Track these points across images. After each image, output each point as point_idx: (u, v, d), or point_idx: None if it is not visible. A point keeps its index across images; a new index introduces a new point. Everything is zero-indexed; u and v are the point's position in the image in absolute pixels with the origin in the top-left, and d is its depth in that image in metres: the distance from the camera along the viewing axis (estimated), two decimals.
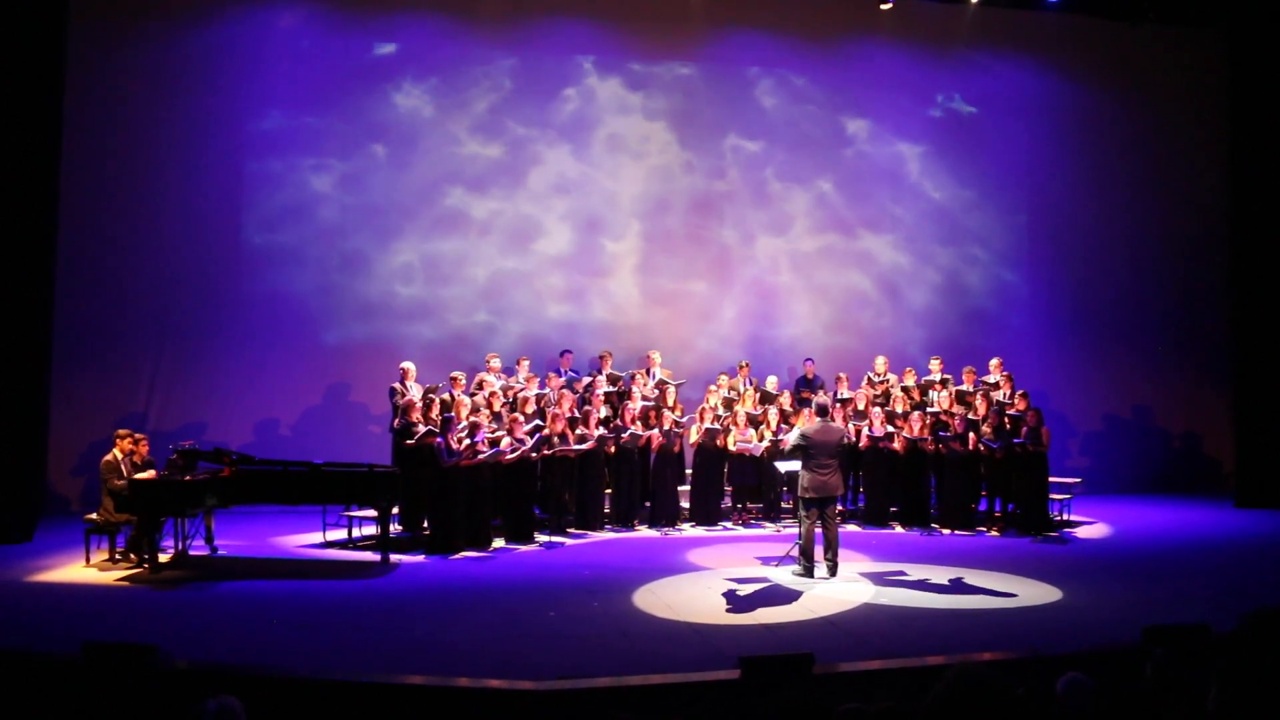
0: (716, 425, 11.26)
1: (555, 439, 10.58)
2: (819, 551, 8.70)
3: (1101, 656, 5.55)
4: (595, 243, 13.55)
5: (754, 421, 11.44)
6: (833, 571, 8.63)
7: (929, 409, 11.60)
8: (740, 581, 8.48)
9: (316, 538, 10.35)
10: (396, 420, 10.63)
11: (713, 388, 11.90)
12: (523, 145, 13.38)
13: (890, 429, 11.33)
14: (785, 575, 8.72)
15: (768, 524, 11.45)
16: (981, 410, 11.30)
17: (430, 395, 10.70)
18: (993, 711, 2.38)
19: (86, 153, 11.63)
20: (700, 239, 13.87)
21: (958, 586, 8.37)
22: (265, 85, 12.65)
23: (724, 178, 13.98)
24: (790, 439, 9.10)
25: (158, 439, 10.75)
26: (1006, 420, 11.09)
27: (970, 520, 11.15)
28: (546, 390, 11.49)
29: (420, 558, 9.47)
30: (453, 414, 9.88)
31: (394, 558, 9.23)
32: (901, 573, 8.87)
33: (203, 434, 11.59)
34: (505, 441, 10.00)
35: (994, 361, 12.38)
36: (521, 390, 11.27)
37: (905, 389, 12.05)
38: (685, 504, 11.54)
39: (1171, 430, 15.00)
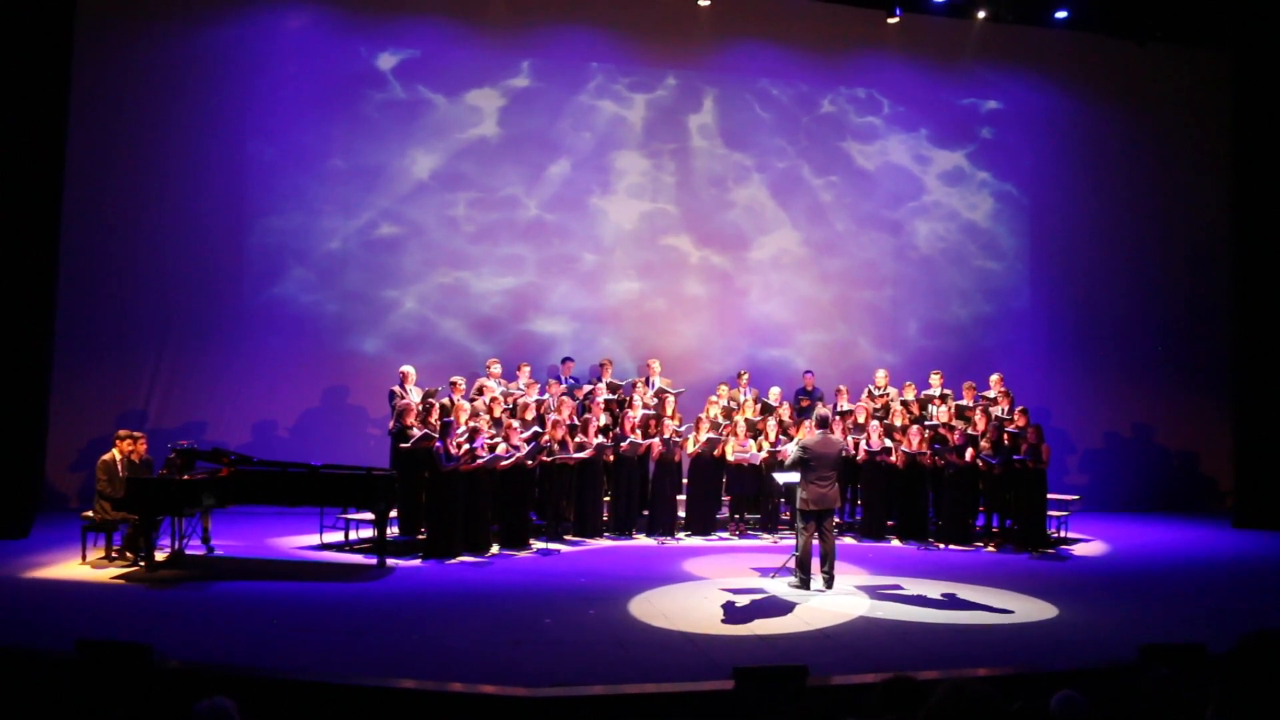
0: (715, 435, 11.25)
1: (555, 446, 10.58)
2: (815, 564, 8.69)
3: (1097, 674, 5.54)
4: (599, 250, 13.58)
5: (754, 431, 11.43)
6: (829, 584, 8.62)
7: (928, 423, 11.60)
8: (736, 592, 8.47)
9: (313, 540, 10.34)
10: (393, 423, 10.64)
11: (713, 398, 11.90)
12: (528, 152, 13.41)
13: (889, 443, 11.33)
14: (781, 586, 8.70)
15: (764, 535, 11.43)
16: (981, 425, 11.29)
17: (430, 399, 10.71)
18: None
19: (91, 151, 11.66)
20: (703, 248, 13.88)
21: (954, 601, 8.35)
22: (271, 87, 12.68)
23: (728, 188, 14.01)
24: (790, 451, 9.10)
25: (157, 437, 10.77)
26: (1005, 436, 11.09)
27: (968, 535, 11.14)
28: (546, 397, 11.49)
29: (417, 562, 9.46)
30: (452, 419, 9.89)
31: (391, 561, 9.22)
32: (898, 586, 8.86)
33: (202, 433, 11.62)
34: (502, 448, 10.00)
35: (994, 377, 12.38)
36: (521, 396, 11.28)
37: (905, 403, 12.05)
38: (683, 513, 11.53)
39: (1171, 449, 15.00)
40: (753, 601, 8.19)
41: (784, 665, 4.96)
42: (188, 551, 9.35)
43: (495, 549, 10.09)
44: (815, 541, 8.69)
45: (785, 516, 11.45)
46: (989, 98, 14.83)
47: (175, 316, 12.28)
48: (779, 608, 8.01)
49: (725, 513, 11.75)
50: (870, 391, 12.54)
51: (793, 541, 9.35)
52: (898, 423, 11.58)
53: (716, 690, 5.12)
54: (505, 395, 11.22)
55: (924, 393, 12.40)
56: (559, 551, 10.25)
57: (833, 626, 7.44)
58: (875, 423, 11.50)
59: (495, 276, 13.24)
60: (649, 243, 13.74)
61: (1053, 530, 11.41)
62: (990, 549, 10.92)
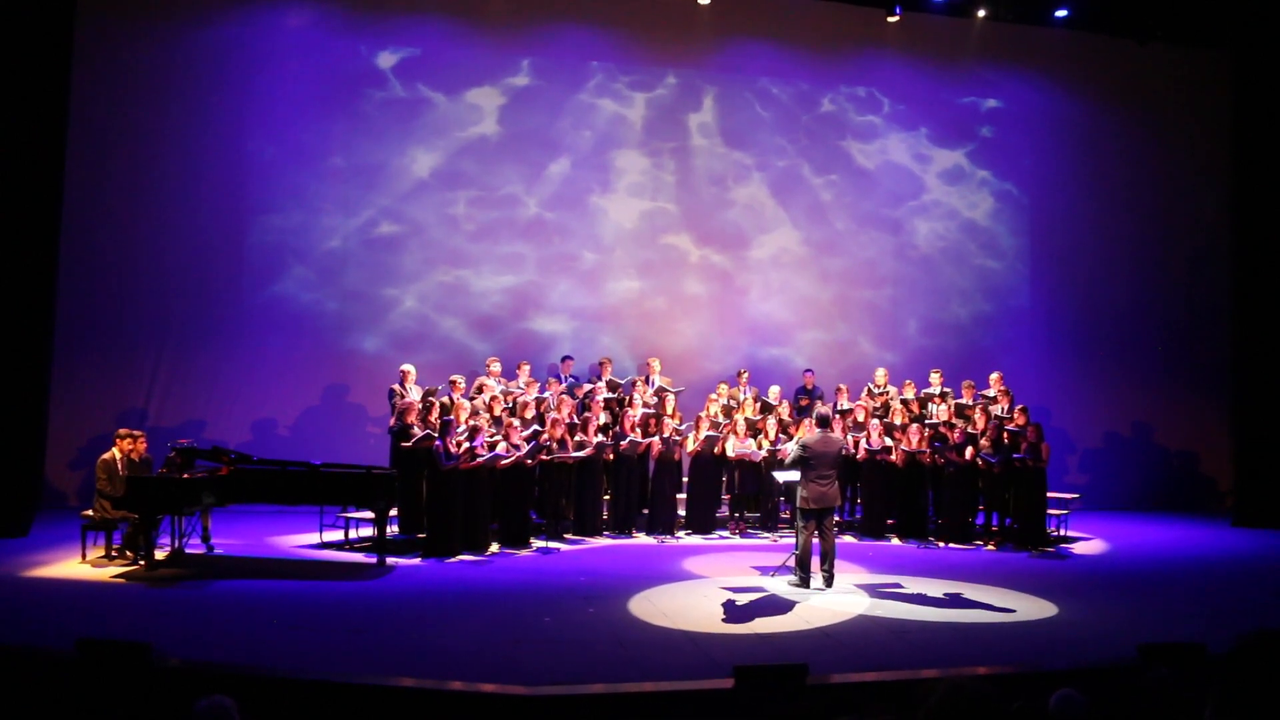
0: (715, 433, 11.25)
1: (554, 445, 10.58)
2: (815, 562, 8.70)
3: (1096, 673, 5.54)
4: (599, 248, 13.57)
5: (753, 429, 11.43)
6: (828, 582, 8.62)
7: (928, 422, 11.60)
8: (736, 590, 8.47)
9: (313, 538, 10.35)
10: (394, 422, 10.64)
11: (713, 396, 11.90)
12: (528, 151, 13.40)
13: (888, 441, 11.33)
14: (781, 585, 8.71)
15: (764, 533, 11.43)
16: (980, 424, 11.29)
17: (430, 398, 10.71)
18: None
19: (91, 150, 11.67)
20: (703, 247, 13.88)
21: (953, 600, 8.35)
22: (271, 86, 12.68)
23: (728, 187, 14.01)
24: (791, 450, 9.10)
25: (157, 435, 10.77)
26: (1005, 435, 11.09)
27: (967, 534, 11.15)
28: (546, 395, 11.49)
29: (417, 560, 9.46)
30: (452, 417, 9.89)
31: (390, 560, 9.22)
32: (897, 585, 8.86)
33: (201, 432, 11.63)
34: (502, 446, 10.00)
35: (994, 376, 12.38)
36: (521, 395, 11.28)
37: (905, 401, 12.05)
38: (682, 512, 11.53)
39: (1171, 449, 15.00)
40: (753, 600, 8.19)
41: (784, 664, 4.96)
42: (187, 550, 9.35)
43: (495, 548, 10.09)
44: (815, 540, 8.69)
45: (785, 515, 11.46)
46: (989, 97, 14.82)
47: (175, 315, 12.27)
48: (779, 606, 8.01)
49: (725, 511, 11.75)
50: (870, 390, 12.54)
51: (792, 540, 9.36)
52: (897, 421, 11.59)
53: (716, 689, 5.12)
54: (505, 394, 11.22)
55: (924, 391, 12.40)
56: (559, 550, 10.25)
57: (833, 625, 7.44)
58: (875, 421, 11.51)
59: (495, 275, 13.24)
60: (649, 241, 13.73)
61: (1052, 529, 11.42)
62: (990, 548, 10.93)
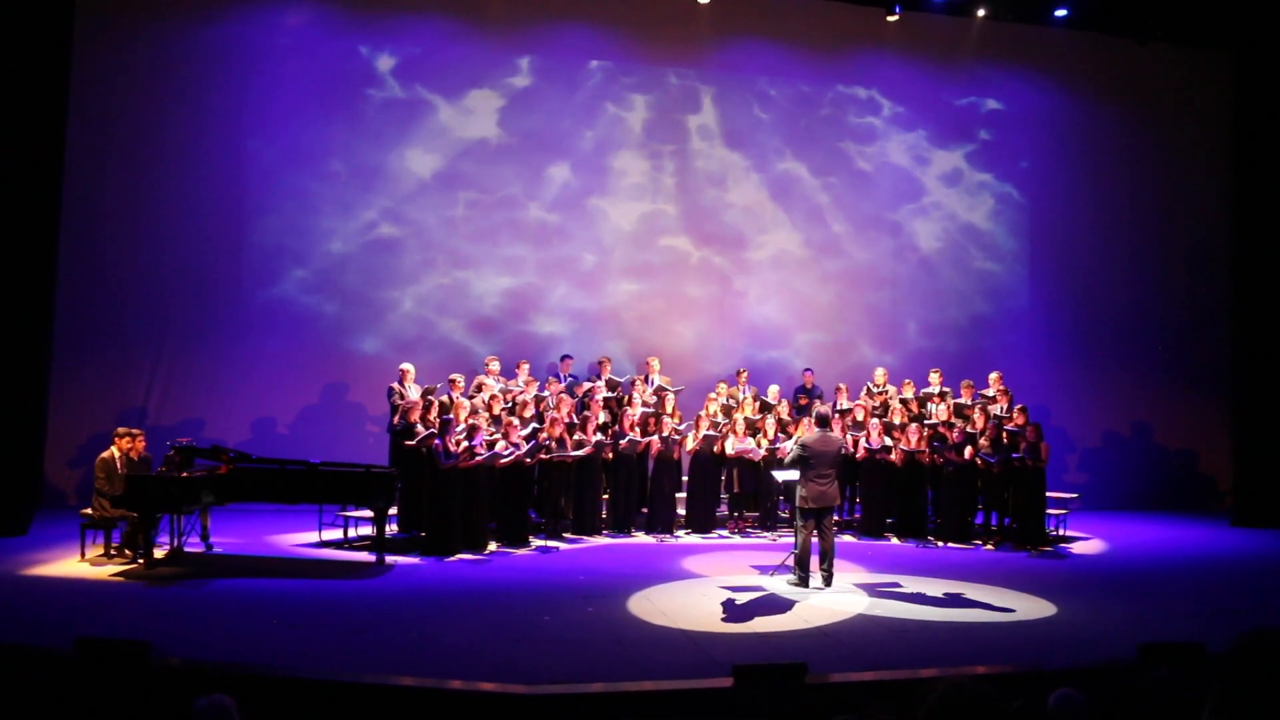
0: (714, 432, 11.25)
1: (553, 444, 10.58)
2: (814, 561, 8.70)
3: (1095, 673, 5.54)
4: (598, 250, 13.56)
5: (752, 428, 11.43)
6: (827, 582, 8.63)
7: (927, 421, 11.60)
8: (735, 590, 8.47)
9: (312, 537, 10.34)
10: (395, 419, 10.63)
11: (712, 395, 11.89)
12: (528, 152, 13.39)
13: (888, 441, 11.33)
14: (780, 584, 8.71)
15: (764, 533, 11.43)
16: (980, 424, 11.29)
17: (429, 397, 10.70)
18: None
19: (90, 150, 11.67)
20: (702, 249, 13.88)
21: (952, 599, 8.36)
22: (270, 86, 12.66)
23: (727, 188, 14.00)
24: (790, 449, 9.10)
25: (156, 434, 10.76)
26: (1004, 434, 11.09)
27: (966, 534, 11.14)
28: (545, 394, 11.49)
29: (416, 559, 9.46)
30: (451, 416, 9.88)
31: (389, 559, 9.22)
32: (896, 584, 8.86)
33: (201, 431, 11.62)
34: (500, 445, 10.00)
35: (993, 375, 12.38)
36: (520, 394, 11.28)
37: (904, 401, 12.05)
38: (682, 511, 11.53)
39: (1170, 448, 15.00)
40: (752, 599, 8.19)
41: (783, 663, 4.96)
42: (186, 549, 9.34)
43: (493, 546, 10.09)
44: (814, 539, 8.70)
45: (784, 514, 11.45)
46: (988, 97, 14.82)
47: (174, 314, 12.27)
48: (778, 605, 8.01)
49: (724, 510, 11.75)
50: (869, 389, 12.53)
51: (791, 539, 9.36)
52: (897, 421, 11.59)
53: (716, 688, 5.13)
54: (504, 393, 11.22)
55: (923, 391, 12.39)
56: (558, 549, 10.26)
57: (831, 624, 7.44)
58: (874, 421, 11.51)
59: (495, 277, 13.23)
60: (648, 243, 13.72)
61: (1051, 528, 11.41)
62: (989, 547, 10.93)
